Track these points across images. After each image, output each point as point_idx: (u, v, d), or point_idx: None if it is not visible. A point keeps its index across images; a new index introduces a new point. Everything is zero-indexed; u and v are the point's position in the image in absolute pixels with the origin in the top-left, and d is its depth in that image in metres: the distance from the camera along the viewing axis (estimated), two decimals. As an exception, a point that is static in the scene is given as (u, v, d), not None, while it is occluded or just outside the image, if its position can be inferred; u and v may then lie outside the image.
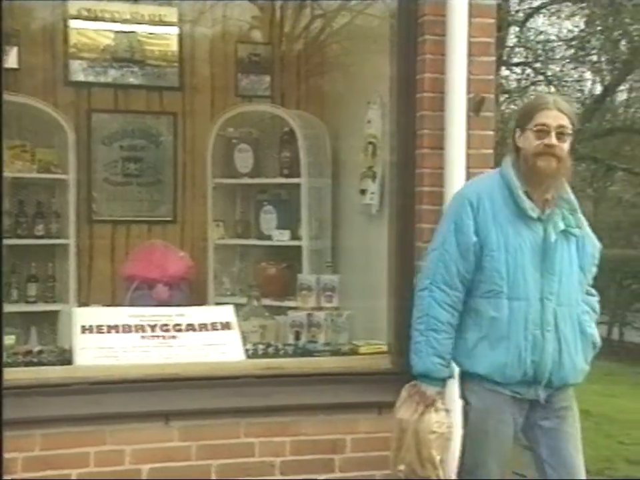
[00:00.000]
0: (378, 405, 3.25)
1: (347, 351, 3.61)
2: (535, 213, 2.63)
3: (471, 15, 3.19)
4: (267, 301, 4.18)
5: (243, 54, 4.66)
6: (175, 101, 4.63)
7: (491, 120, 3.40)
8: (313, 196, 4.42)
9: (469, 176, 3.24)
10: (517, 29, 11.85)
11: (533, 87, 12.64)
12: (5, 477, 2.71)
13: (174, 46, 4.56)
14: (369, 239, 4.05)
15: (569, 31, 11.84)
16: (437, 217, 3.23)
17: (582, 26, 11.56)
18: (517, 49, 12.32)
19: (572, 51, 11.80)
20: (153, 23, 4.49)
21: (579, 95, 12.39)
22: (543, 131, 2.60)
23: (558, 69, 12.05)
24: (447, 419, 2.69)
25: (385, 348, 3.50)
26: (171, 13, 4.51)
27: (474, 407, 2.67)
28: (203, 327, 3.38)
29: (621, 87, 12.53)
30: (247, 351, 3.40)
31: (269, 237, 4.50)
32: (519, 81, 12.63)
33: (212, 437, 3.04)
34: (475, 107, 3.30)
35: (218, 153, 4.57)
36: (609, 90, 11.10)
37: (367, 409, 3.25)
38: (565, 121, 2.61)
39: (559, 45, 12.00)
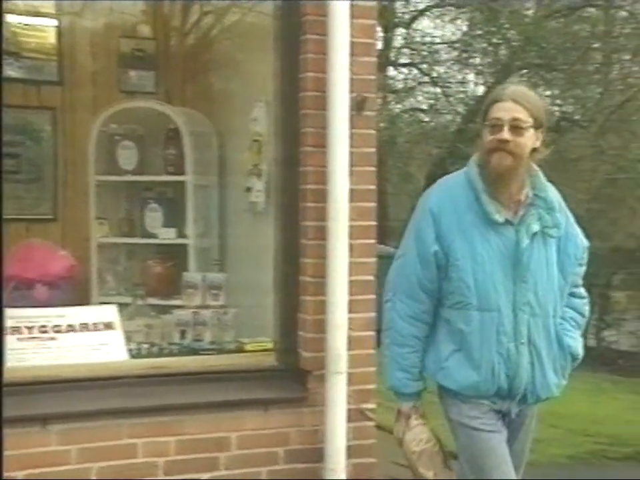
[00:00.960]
0: (264, 402, 3.26)
1: (233, 348, 3.61)
2: (500, 217, 2.43)
3: (352, 16, 3.23)
4: (152, 300, 4.11)
5: (126, 49, 4.57)
6: (54, 95, 4.49)
7: (373, 119, 3.46)
8: (199, 194, 4.38)
9: (352, 174, 3.29)
10: (404, 30, 12.12)
11: (419, 87, 12.97)
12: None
13: (52, 38, 4.42)
14: (256, 237, 4.05)
15: (453, 33, 12.22)
16: (321, 214, 3.29)
17: (464, 29, 11.95)
18: (403, 50, 12.61)
19: (456, 53, 12.18)
20: (28, 14, 4.35)
21: (462, 96, 12.79)
22: (496, 126, 2.41)
23: (443, 70, 12.40)
24: (424, 434, 2.55)
25: (270, 345, 3.51)
26: (47, 5, 4.37)
27: (456, 421, 2.54)
28: (84, 327, 3.31)
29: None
30: (130, 350, 3.34)
31: (155, 235, 4.44)
32: (406, 81, 12.92)
33: (93, 439, 2.97)
34: (357, 106, 3.35)
35: (101, 150, 4.46)
36: (490, 91, 11.52)
37: (253, 406, 3.25)
38: (521, 114, 2.40)
39: (444, 47, 12.36)
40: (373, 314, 3.48)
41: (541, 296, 2.47)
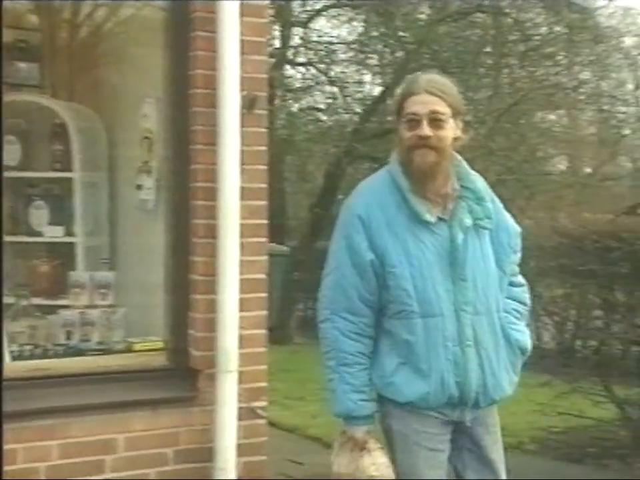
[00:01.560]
0: (153, 402, 3.22)
1: (122, 348, 3.55)
2: (431, 216, 2.29)
3: (242, 14, 3.23)
4: (37, 300, 3.99)
5: (8, 39, 4.40)
6: None
7: (264, 117, 3.46)
8: (87, 191, 4.27)
9: (243, 172, 3.29)
10: (301, 29, 12.17)
11: (317, 87, 13.04)
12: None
13: None
14: (146, 235, 3.99)
15: (349, 34, 12.36)
16: (211, 213, 3.27)
17: (360, 30, 12.11)
18: (301, 49, 12.66)
19: (352, 53, 12.31)
20: None
21: (359, 96, 12.95)
22: (413, 121, 2.26)
23: (340, 70, 12.52)
24: (383, 458, 2.35)
25: (161, 345, 3.47)
26: None
27: (397, 431, 2.37)
28: (-39, 329, 3.18)
29: (398, 90, 13.24)
30: (12, 352, 3.24)
31: (40, 234, 4.30)
32: (304, 80, 12.98)
33: (-32, 446, 2.86)
34: (248, 104, 3.35)
35: (-19, 145, 4.29)
36: (387, 92, 11.70)
37: (141, 406, 3.21)
38: (439, 105, 2.26)
39: (341, 47, 12.48)
40: (264, 312, 3.49)
41: (481, 292, 2.32)
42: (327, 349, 2.36)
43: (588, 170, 22.08)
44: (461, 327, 2.30)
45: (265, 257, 3.50)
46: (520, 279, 2.53)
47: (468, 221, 2.32)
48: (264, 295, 3.47)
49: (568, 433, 5.84)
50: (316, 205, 11.22)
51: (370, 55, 12.01)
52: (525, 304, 2.50)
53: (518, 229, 2.51)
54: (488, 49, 11.73)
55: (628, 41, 22.02)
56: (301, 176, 13.20)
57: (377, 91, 12.62)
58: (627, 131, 23.75)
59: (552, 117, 19.88)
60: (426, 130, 2.26)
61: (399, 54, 11.34)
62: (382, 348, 2.36)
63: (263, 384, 3.48)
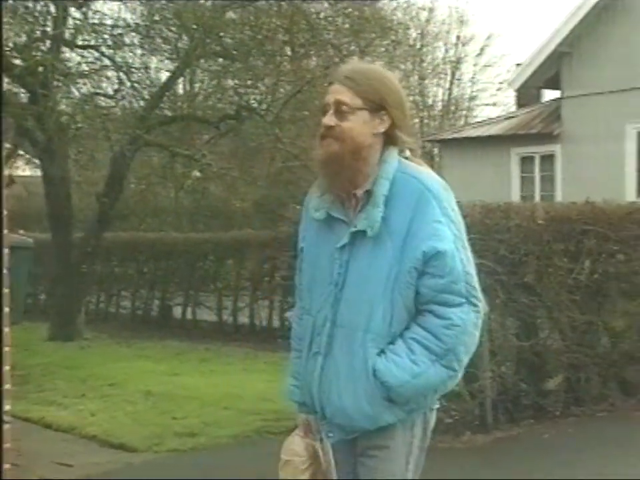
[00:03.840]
0: None
1: None
2: (320, 214, 2.17)
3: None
4: None
5: None
6: None
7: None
8: None
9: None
10: (79, 10, 11.60)
11: (102, 71, 12.52)
12: None
13: None
14: None
15: (132, 18, 11.97)
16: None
17: (145, 14, 11.76)
18: (83, 32, 12.08)
19: (139, 38, 11.93)
20: None
21: (148, 82, 12.61)
22: (325, 110, 2.15)
23: (124, 54, 12.10)
24: (299, 447, 2.24)
25: None
26: None
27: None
28: None
29: (185, 77, 13.05)
30: None
31: None
32: (88, 63, 12.41)
33: None
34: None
35: None
36: (173, 78, 11.46)
37: None
38: (345, 95, 2.10)
39: (126, 32, 12.05)
40: (6, 309, 3.26)
41: (352, 305, 2.12)
42: None
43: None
44: (319, 333, 2.17)
45: (6, 250, 3.26)
46: (446, 311, 2.08)
47: (360, 226, 2.12)
48: (5, 290, 3.23)
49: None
50: (103, 194, 10.80)
51: (156, 40, 11.70)
52: (438, 338, 2.07)
53: (437, 248, 2.07)
54: (275, 37, 11.80)
55: (413, 34, 23.20)
56: (87, 163, 12.64)
57: (164, 77, 12.35)
58: (415, 120, 25.04)
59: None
60: (327, 119, 2.13)
61: (185, 40, 11.13)
62: None
63: (7, 386, 3.24)
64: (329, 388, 2.14)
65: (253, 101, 11.37)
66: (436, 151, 18.42)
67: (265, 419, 5.91)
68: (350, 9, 13.16)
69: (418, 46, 24.16)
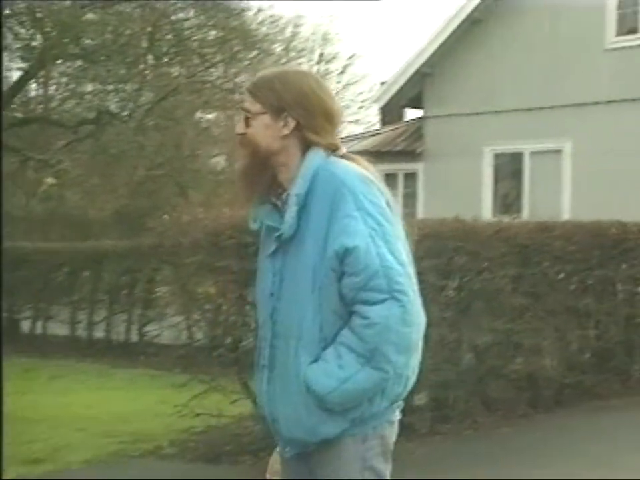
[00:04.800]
0: None
1: None
2: (255, 224, 2.12)
3: None
4: None
5: None
6: None
7: None
8: None
9: None
10: None
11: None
12: None
13: None
14: None
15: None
16: None
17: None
18: None
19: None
20: None
21: (-1, 81, 11.83)
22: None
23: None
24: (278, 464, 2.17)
25: None
26: None
27: None
28: None
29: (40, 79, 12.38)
30: None
31: None
32: None
33: None
34: None
35: None
36: (26, 77, 10.82)
37: None
38: (248, 102, 2.10)
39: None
40: None
41: (285, 313, 2.05)
42: None
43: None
44: (264, 347, 2.11)
45: None
46: (366, 310, 1.95)
47: (282, 230, 2.04)
48: None
49: (208, 432, 5.74)
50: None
51: (7, 35, 11.01)
52: (362, 340, 1.95)
53: (348, 245, 1.96)
54: (138, 42, 11.41)
55: (277, 48, 23.27)
56: None
57: (15, 76, 11.65)
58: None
59: (210, 116, 20.27)
60: (237, 127, 2.12)
61: (39, 39, 10.54)
62: None
63: None
64: (274, 401, 2.08)
65: (114, 107, 10.91)
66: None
67: (122, 442, 5.57)
68: (216, 18, 12.97)
69: (283, 61, 24.27)
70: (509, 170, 12.53)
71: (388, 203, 2.06)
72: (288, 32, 23.61)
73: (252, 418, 5.47)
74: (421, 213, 12.77)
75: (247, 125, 2.08)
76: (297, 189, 2.03)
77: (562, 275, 6.14)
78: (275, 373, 2.08)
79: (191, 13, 12.72)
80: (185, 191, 11.38)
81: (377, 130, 15.75)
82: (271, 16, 19.13)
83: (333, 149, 2.11)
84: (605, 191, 10.94)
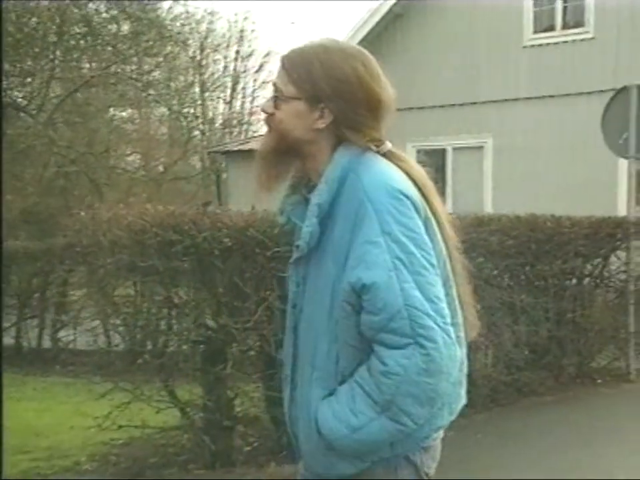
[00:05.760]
0: None
1: None
2: (282, 218, 1.84)
3: None
4: None
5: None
6: None
7: None
8: None
9: None
10: None
11: None
12: None
13: None
14: None
15: None
16: None
17: None
18: None
19: None
20: None
21: None
22: None
23: None
24: None
25: None
26: None
27: None
28: None
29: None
30: None
31: None
32: None
33: None
34: None
35: None
36: None
37: None
38: (280, 79, 1.76)
39: None
40: None
41: (303, 330, 1.79)
42: None
43: (160, 168, 22.29)
44: (287, 353, 1.85)
45: None
46: (383, 353, 1.65)
47: (298, 242, 1.76)
48: None
49: (131, 444, 5.36)
50: None
51: None
52: (378, 388, 1.66)
53: (365, 280, 1.64)
54: (46, 33, 10.84)
55: (193, 45, 22.77)
56: None
57: None
58: (196, 132, 24.60)
59: (124, 114, 19.61)
60: (264, 103, 1.80)
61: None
62: None
63: None
64: (296, 422, 1.84)
65: (20, 99, 10.31)
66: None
67: (35, 458, 5.15)
68: (129, 10, 12.49)
69: (198, 57, 23.79)
70: (432, 166, 12.52)
71: (426, 220, 1.73)
72: (203, 28, 23.18)
73: (178, 427, 5.12)
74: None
75: (276, 106, 1.77)
76: (318, 197, 1.72)
77: (495, 272, 6.03)
78: (297, 392, 1.82)
79: (102, 6, 12.24)
80: (99, 188, 10.86)
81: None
82: (186, 12, 18.65)
83: (374, 144, 1.78)
84: (524, 186, 11.01)
